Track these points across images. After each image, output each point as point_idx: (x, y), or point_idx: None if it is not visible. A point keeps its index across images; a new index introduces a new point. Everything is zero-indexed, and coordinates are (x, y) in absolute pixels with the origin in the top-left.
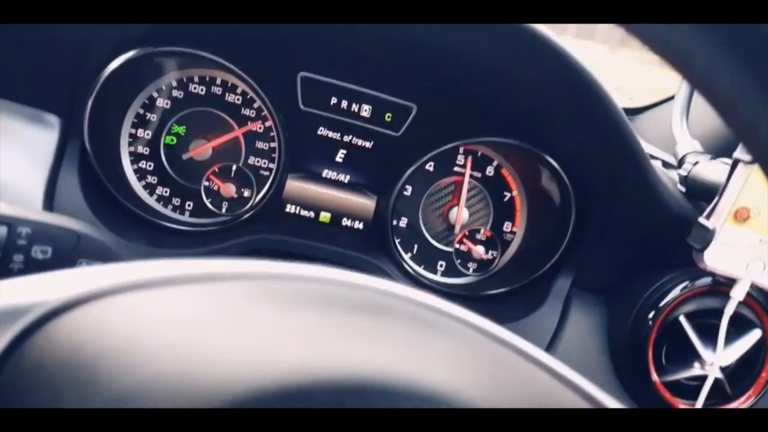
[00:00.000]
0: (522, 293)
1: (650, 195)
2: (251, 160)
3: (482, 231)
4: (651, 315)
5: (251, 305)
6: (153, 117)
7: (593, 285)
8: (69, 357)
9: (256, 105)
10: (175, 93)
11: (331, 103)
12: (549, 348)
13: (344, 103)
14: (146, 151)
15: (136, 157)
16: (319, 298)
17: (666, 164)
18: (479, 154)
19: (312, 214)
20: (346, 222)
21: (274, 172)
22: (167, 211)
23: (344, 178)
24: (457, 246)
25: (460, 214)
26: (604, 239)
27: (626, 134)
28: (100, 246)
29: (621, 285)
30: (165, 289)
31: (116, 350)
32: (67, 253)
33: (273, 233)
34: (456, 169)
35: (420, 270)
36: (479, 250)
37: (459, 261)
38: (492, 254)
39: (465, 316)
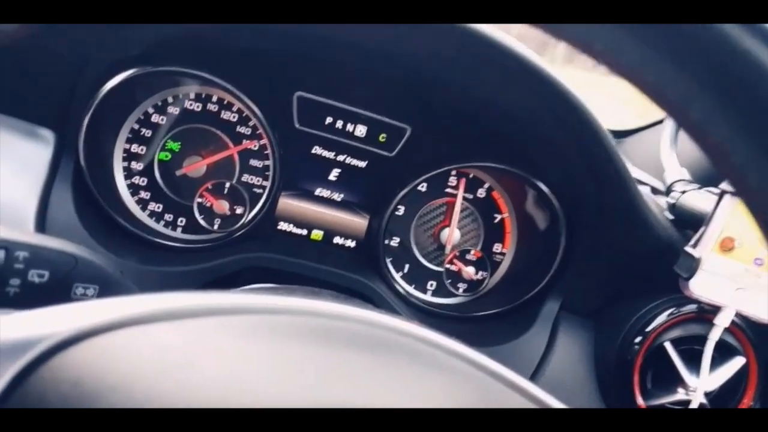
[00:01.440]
0: (511, 315)
1: (638, 221)
2: (245, 177)
3: (473, 252)
4: (638, 340)
5: (254, 340)
6: (148, 133)
7: (581, 309)
8: (71, 390)
9: (251, 123)
10: (170, 109)
11: (326, 123)
12: (536, 371)
13: (339, 123)
14: (140, 166)
15: (129, 173)
16: (311, 331)
17: (654, 190)
18: (471, 176)
19: (304, 231)
20: (338, 240)
21: (267, 189)
22: (159, 227)
23: (337, 196)
24: (447, 266)
25: (452, 235)
26: (592, 263)
27: (614, 160)
28: (97, 270)
29: (608, 309)
30: (167, 324)
31: (118, 384)
32: (63, 276)
33: (265, 251)
34: (448, 190)
35: (410, 289)
36: (469, 271)
37: (449, 281)
38: (482, 275)
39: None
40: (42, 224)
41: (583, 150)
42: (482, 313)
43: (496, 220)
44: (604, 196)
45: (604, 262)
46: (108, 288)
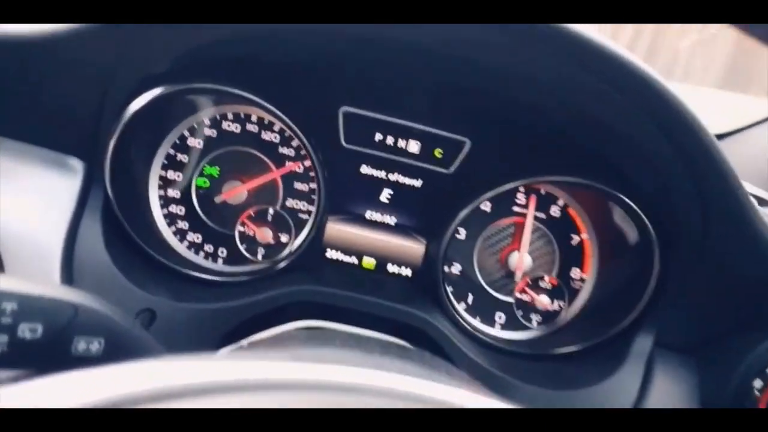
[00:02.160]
0: (597, 353)
1: (750, 240)
2: (289, 202)
3: (547, 278)
4: (758, 385)
5: None
6: (184, 158)
7: (680, 344)
8: None
9: (294, 143)
10: (207, 132)
11: (376, 140)
12: None
13: (390, 139)
14: (177, 194)
15: (165, 201)
16: None
17: (762, 201)
18: (543, 192)
19: (355, 259)
20: (392, 268)
21: (313, 214)
22: (198, 259)
23: (390, 220)
24: (518, 295)
25: (522, 260)
26: (693, 291)
27: (723, 169)
28: (101, 319)
29: (714, 345)
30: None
31: None
32: (60, 330)
33: (312, 283)
34: (516, 209)
35: (475, 323)
36: (544, 300)
37: (521, 312)
38: (558, 305)
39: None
40: (69, 259)
41: (686, 160)
42: (562, 351)
43: (574, 242)
44: (710, 210)
45: (707, 288)
46: (116, 340)
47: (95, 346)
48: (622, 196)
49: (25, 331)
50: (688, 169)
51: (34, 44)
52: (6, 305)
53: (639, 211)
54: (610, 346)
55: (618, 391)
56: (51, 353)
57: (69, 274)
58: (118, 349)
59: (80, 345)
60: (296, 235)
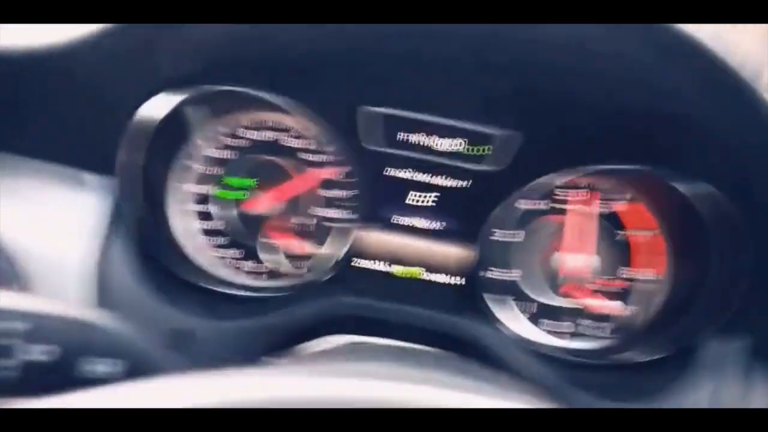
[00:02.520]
0: (678, 363)
1: None
2: (316, 210)
3: (616, 282)
4: None
5: None
6: (207, 170)
7: None
8: None
9: (318, 148)
10: (226, 140)
11: (398, 138)
12: None
13: (414, 137)
14: (197, 207)
15: (185, 215)
16: None
17: None
18: (605, 184)
19: (385, 268)
20: (430, 276)
21: (344, 222)
22: (220, 272)
23: (425, 224)
24: (582, 301)
25: (587, 262)
26: None
27: None
28: (120, 340)
29: None
30: None
31: None
32: (77, 351)
33: (347, 294)
34: (575, 204)
35: (533, 333)
36: (614, 306)
37: (588, 320)
38: (631, 310)
39: None
40: (97, 280)
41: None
42: (638, 361)
43: (643, 239)
44: None
45: None
46: (138, 362)
47: (115, 368)
48: (701, 184)
49: (38, 353)
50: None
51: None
52: (18, 325)
53: (722, 199)
54: (693, 355)
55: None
56: (67, 377)
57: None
58: (141, 371)
59: (99, 367)
60: (326, 245)
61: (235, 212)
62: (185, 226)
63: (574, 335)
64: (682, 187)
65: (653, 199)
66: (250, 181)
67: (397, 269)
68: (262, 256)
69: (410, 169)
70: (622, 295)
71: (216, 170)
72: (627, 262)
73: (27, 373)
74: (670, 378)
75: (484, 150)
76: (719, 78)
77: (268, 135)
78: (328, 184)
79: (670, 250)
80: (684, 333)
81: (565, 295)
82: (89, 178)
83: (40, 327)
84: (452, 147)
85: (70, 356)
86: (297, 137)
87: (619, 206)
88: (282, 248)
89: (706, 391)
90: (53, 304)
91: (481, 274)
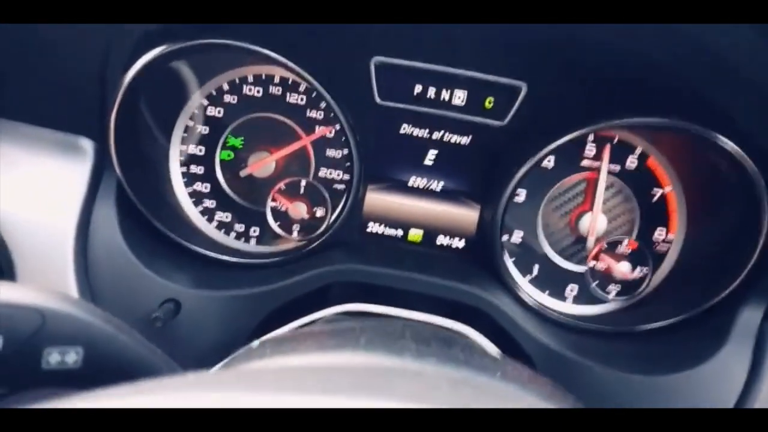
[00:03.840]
0: (692, 329)
1: None
2: (322, 172)
3: (626, 242)
4: None
5: None
6: (205, 129)
7: None
8: None
9: (323, 105)
10: (227, 98)
11: (415, 93)
12: (739, 405)
13: (431, 91)
14: (201, 170)
15: (189, 179)
16: None
17: None
18: (616, 140)
19: (400, 232)
20: (442, 240)
21: (350, 184)
22: (229, 240)
23: (437, 185)
24: (592, 264)
25: (596, 222)
26: None
27: None
28: (75, 326)
29: None
30: None
31: None
32: (26, 341)
33: (352, 261)
34: (585, 162)
35: (543, 298)
36: (623, 268)
37: (596, 283)
38: (641, 271)
39: None
40: (83, 247)
41: None
42: (647, 327)
43: (656, 198)
44: None
45: None
46: (98, 349)
47: (71, 357)
48: (720, 138)
49: None
50: None
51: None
52: None
53: (740, 156)
54: (709, 321)
55: (721, 375)
56: (18, 368)
57: (83, 265)
58: (103, 358)
59: (53, 357)
60: (333, 208)
61: (236, 174)
62: (182, 189)
63: (580, 300)
64: (699, 142)
65: (667, 154)
66: (238, 141)
67: (413, 234)
68: (270, 220)
69: (427, 127)
70: (633, 258)
71: (210, 130)
72: (639, 222)
73: None
74: (689, 346)
75: (488, 103)
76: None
77: (264, 91)
78: (324, 143)
79: (682, 208)
80: (699, 296)
81: (582, 259)
82: (82, 142)
83: None
84: (473, 101)
85: (18, 346)
86: (294, 93)
87: (632, 162)
88: (289, 213)
89: (727, 360)
90: (3, 289)
91: (504, 238)
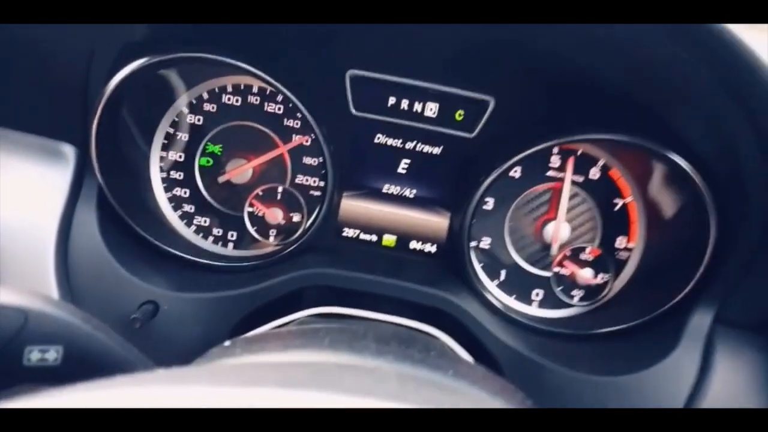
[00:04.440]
0: (647, 331)
1: None
2: (299, 178)
3: (588, 249)
4: None
5: None
6: (185, 136)
7: (745, 321)
8: None
9: (299, 114)
10: (207, 107)
11: (389, 105)
12: (689, 403)
13: (404, 103)
14: (180, 176)
15: (169, 184)
16: None
17: None
18: (579, 153)
19: (374, 237)
20: (414, 245)
21: (326, 191)
22: (207, 244)
23: (409, 192)
24: (556, 269)
25: (559, 229)
26: (758, 261)
27: None
28: (57, 325)
29: None
30: None
31: None
32: (9, 339)
33: (327, 265)
34: (550, 173)
35: (510, 302)
36: (585, 274)
37: (560, 288)
38: (602, 278)
39: None
40: (64, 252)
41: (748, 108)
42: (607, 330)
43: (617, 207)
44: None
45: None
46: (78, 347)
47: (52, 354)
48: (672, 155)
49: None
50: (751, 122)
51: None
52: None
53: (691, 172)
54: (663, 324)
55: (673, 375)
56: (0, 365)
57: (64, 268)
58: (81, 356)
59: (33, 355)
60: (309, 214)
61: (215, 180)
62: (161, 194)
63: (545, 304)
64: (655, 158)
65: (628, 167)
66: (217, 148)
67: (387, 239)
68: (247, 225)
69: (400, 137)
70: (595, 264)
71: (190, 137)
72: (600, 230)
73: None
74: (644, 348)
75: (458, 115)
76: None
77: (243, 100)
78: (301, 150)
79: (642, 218)
80: (655, 301)
81: (547, 265)
82: (64, 148)
83: None
84: (444, 114)
85: (1, 345)
86: (272, 103)
87: (594, 174)
88: (266, 218)
89: (679, 360)
90: None
91: (472, 243)
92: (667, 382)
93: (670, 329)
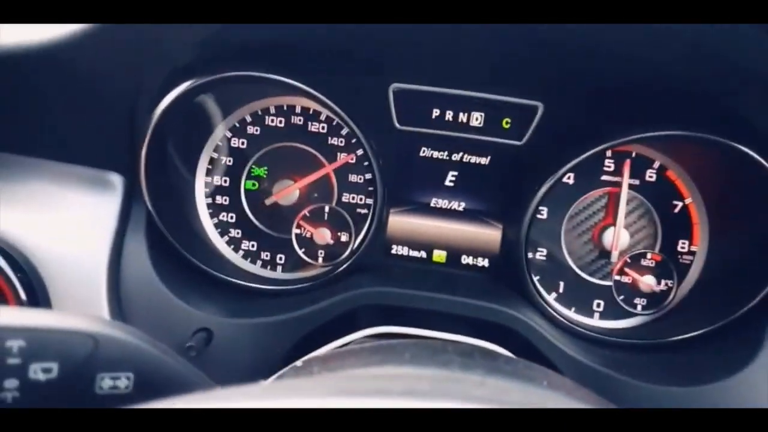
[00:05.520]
0: (722, 339)
1: None
2: (345, 197)
3: (649, 255)
4: None
5: None
6: (229, 161)
7: None
8: None
9: (344, 132)
10: (250, 129)
11: (433, 116)
12: None
13: (449, 114)
14: (226, 201)
15: (215, 209)
16: None
17: None
18: (634, 155)
19: (423, 254)
20: (466, 260)
21: (373, 208)
22: (256, 268)
23: (458, 205)
24: (617, 278)
25: (618, 236)
26: None
27: None
28: (126, 351)
29: None
30: None
31: None
32: (79, 367)
33: (378, 284)
34: (605, 177)
35: (570, 314)
36: (648, 281)
37: (622, 297)
38: (666, 284)
39: None
40: (115, 281)
41: None
42: (676, 338)
43: (677, 209)
44: None
45: None
46: (148, 373)
47: (123, 382)
48: (739, 147)
49: (37, 371)
50: None
51: (44, 56)
52: (12, 343)
53: (764, 162)
54: (741, 330)
55: (757, 383)
56: (72, 394)
57: (116, 297)
58: (152, 382)
59: (105, 382)
60: (357, 233)
61: (261, 203)
62: (207, 220)
63: (607, 314)
64: (716, 150)
65: (686, 167)
66: (262, 170)
67: (437, 255)
68: (295, 247)
69: (446, 149)
70: (657, 270)
71: (234, 161)
72: (661, 234)
73: (28, 392)
74: (720, 356)
75: (505, 123)
76: None
77: (286, 121)
78: (346, 169)
79: (704, 219)
80: (727, 306)
81: (606, 274)
82: (111, 177)
83: (37, 342)
84: (490, 122)
85: (72, 372)
86: (315, 122)
87: (651, 176)
88: (314, 239)
89: (761, 369)
90: (54, 316)
91: (529, 255)
92: (752, 391)
93: (748, 335)
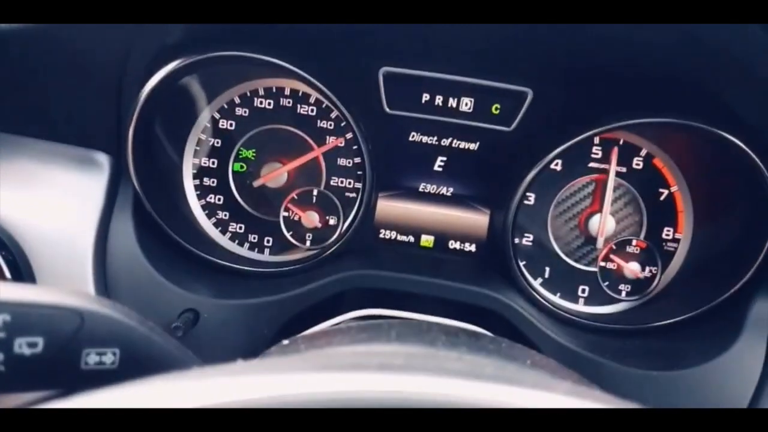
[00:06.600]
0: (703, 324)
1: None
2: (334, 180)
3: (634, 242)
4: None
5: None
6: (217, 142)
7: None
8: None
9: (333, 115)
10: (239, 111)
11: (423, 101)
12: (755, 400)
13: (439, 99)
14: (213, 182)
15: (202, 191)
16: None
17: None
18: (621, 142)
19: (411, 238)
20: (453, 245)
21: (361, 192)
22: (243, 251)
23: (446, 190)
24: (602, 264)
25: (604, 222)
26: None
27: None
28: (113, 327)
29: None
30: None
31: None
32: (65, 342)
33: (365, 267)
34: (592, 165)
35: (555, 299)
36: (633, 267)
37: (607, 283)
38: (650, 271)
39: None
40: (101, 260)
41: None
42: (659, 324)
43: (662, 197)
44: None
45: None
46: (134, 350)
47: (109, 357)
48: (724, 134)
49: (22, 346)
50: None
51: (31, 34)
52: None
53: (749, 152)
54: (721, 316)
55: (736, 368)
56: (57, 369)
57: (102, 276)
58: (137, 359)
59: (91, 358)
60: (345, 217)
61: (249, 185)
62: (195, 201)
63: (592, 300)
64: (703, 138)
65: (672, 155)
66: (250, 152)
67: (425, 239)
68: (283, 230)
69: (435, 134)
70: (642, 257)
71: (223, 142)
72: (646, 221)
73: (13, 367)
74: (703, 340)
75: (494, 109)
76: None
77: (275, 103)
78: (335, 152)
79: (689, 207)
80: (709, 291)
81: (592, 260)
82: (98, 156)
83: (23, 317)
84: (480, 108)
85: (57, 347)
86: (304, 104)
87: (638, 163)
88: (302, 222)
89: (742, 352)
90: (40, 291)
91: (516, 240)
92: (731, 376)
93: (729, 321)
